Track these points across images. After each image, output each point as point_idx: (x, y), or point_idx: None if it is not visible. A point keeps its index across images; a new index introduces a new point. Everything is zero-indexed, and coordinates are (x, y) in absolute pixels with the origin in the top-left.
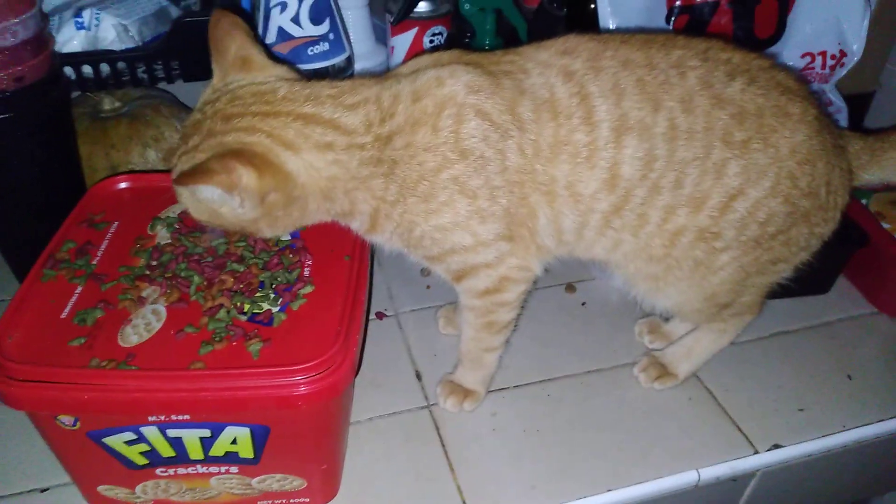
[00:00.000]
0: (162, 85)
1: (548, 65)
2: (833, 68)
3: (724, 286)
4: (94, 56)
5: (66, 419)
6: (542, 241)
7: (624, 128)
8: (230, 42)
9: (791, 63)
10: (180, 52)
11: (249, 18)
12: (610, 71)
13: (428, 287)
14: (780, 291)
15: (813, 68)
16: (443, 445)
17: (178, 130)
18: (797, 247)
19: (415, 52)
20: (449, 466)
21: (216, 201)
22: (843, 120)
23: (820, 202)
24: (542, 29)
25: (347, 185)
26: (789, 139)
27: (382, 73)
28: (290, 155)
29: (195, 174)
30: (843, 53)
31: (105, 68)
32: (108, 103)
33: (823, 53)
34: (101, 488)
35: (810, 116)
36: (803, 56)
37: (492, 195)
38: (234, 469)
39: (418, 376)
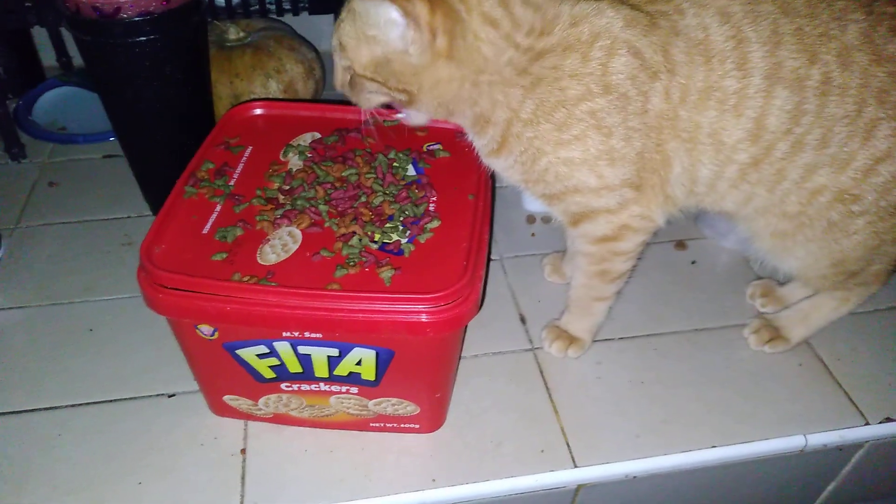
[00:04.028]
0: (287, 18)
1: (704, 4)
2: None
3: (855, 252)
4: None
5: (205, 329)
6: (672, 190)
7: (776, 77)
8: None
9: None
10: None
11: None
12: (770, 17)
13: (532, 235)
14: None
15: None
16: (547, 388)
17: (298, 63)
18: None
19: None
20: (553, 409)
21: (389, 31)
22: None
23: None
24: None
25: (492, 77)
26: None
27: None
28: (462, 8)
29: None
30: None
31: None
32: (233, 33)
33: None
34: (226, 398)
35: None
36: None
37: (627, 136)
38: (354, 390)
39: (522, 320)
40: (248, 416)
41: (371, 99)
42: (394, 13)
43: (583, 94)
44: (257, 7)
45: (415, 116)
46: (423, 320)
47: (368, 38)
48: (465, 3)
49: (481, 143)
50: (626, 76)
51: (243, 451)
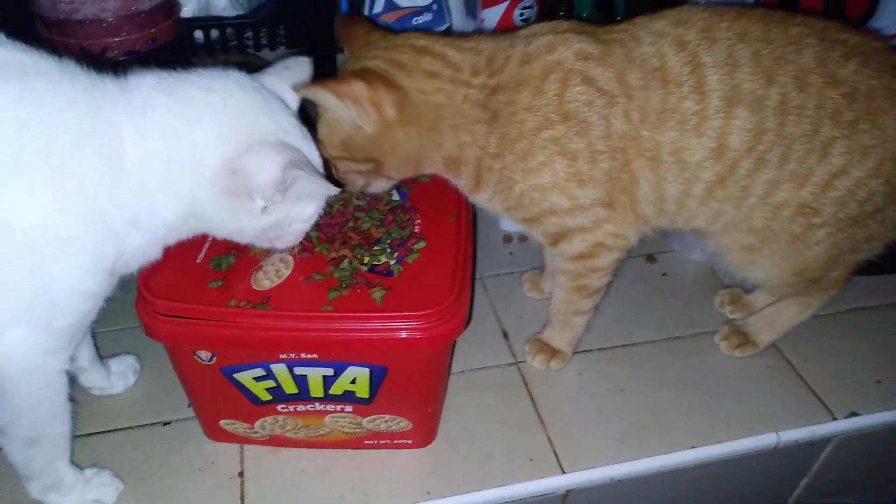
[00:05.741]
0: (265, 52)
1: (661, 34)
2: None
3: (817, 261)
4: (206, 21)
5: (203, 354)
6: (642, 209)
7: (735, 98)
8: (359, 28)
9: None
10: (286, 18)
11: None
12: (725, 42)
13: (510, 253)
14: (861, 269)
15: None
16: (532, 400)
17: None
18: (892, 225)
19: (504, 25)
20: (539, 419)
21: (337, 113)
22: None
23: None
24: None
25: (454, 120)
26: None
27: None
28: (402, 75)
29: (313, 82)
30: None
31: (215, 34)
32: None
33: None
34: (223, 422)
35: None
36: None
37: (592, 158)
38: (348, 408)
39: (505, 335)
40: (244, 440)
41: (355, 181)
42: (332, 99)
43: (540, 124)
44: (235, 42)
45: (375, 186)
46: (416, 336)
47: (330, 125)
48: (404, 67)
49: (461, 184)
50: (583, 103)
51: (241, 474)
